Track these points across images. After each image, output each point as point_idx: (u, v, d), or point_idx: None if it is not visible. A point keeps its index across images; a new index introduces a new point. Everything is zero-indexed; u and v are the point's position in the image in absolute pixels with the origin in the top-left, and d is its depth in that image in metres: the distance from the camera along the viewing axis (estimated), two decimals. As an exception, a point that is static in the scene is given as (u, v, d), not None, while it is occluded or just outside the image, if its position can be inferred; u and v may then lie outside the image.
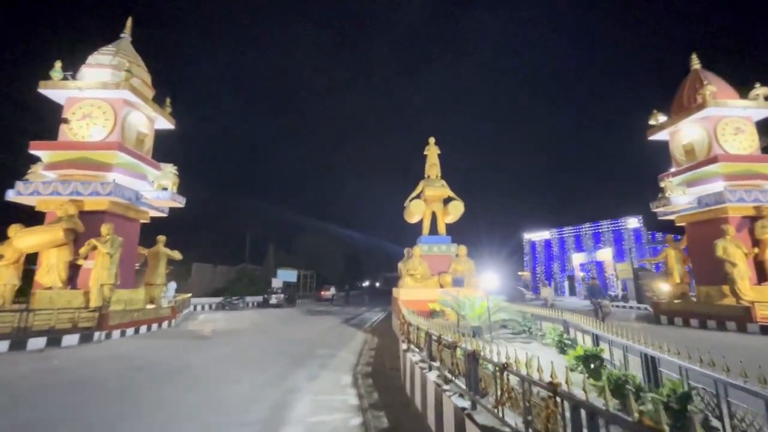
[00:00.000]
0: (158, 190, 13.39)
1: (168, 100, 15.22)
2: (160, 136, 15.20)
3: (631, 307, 22.08)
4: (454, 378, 3.98)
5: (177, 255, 14.67)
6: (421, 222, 14.67)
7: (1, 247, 10.82)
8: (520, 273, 52.08)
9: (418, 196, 14.34)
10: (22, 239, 10.63)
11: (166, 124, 15.07)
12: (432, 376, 4.53)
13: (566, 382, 2.08)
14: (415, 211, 13.69)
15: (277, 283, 31.21)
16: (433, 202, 14.11)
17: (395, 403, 5.34)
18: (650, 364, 3.53)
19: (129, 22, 14.71)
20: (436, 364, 4.67)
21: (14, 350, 8.79)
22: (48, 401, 5.17)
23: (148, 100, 13.73)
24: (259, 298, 27.39)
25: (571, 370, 5.08)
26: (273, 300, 25.56)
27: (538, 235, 55.45)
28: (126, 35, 14.50)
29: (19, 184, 11.68)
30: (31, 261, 11.71)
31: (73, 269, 11.64)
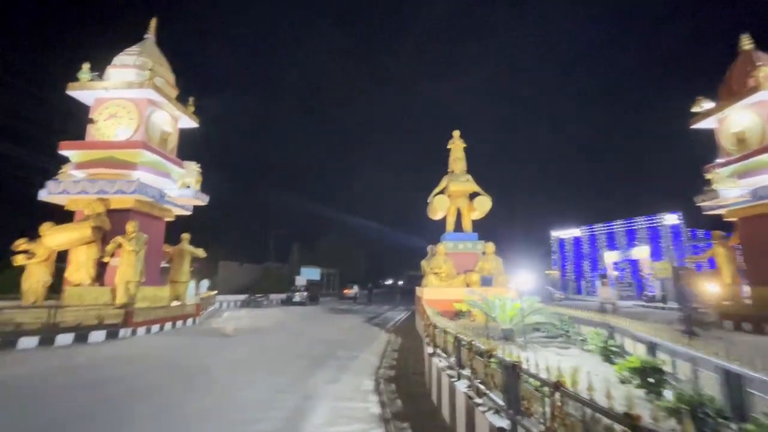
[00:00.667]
0: (182, 188, 13.47)
1: (191, 99, 15.31)
2: (185, 135, 15.34)
3: (670, 309, 20.66)
4: (488, 391, 3.51)
5: (201, 253, 14.77)
6: (445, 219, 14.13)
7: (32, 245, 11.11)
8: (547, 272, 50.34)
9: (441, 192, 13.79)
10: (52, 237, 10.88)
11: (189, 122, 15.18)
12: (461, 386, 4.06)
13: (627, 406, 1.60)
14: (439, 208, 13.15)
15: (300, 281, 31.35)
16: (457, 197, 13.52)
17: (420, 412, 4.91)
18: (731, 383, 2.92)
19: (153, 23, 14.88)
20: (466, 372, 4.20)
21: (43, 346, 8.94)
22: (63, 402, 5.05)
23: (172, 99, 13.84)
24: (283, 296, 27.56)
25: (622, 382, 4.48)
26: (296, 298, 25.62)
27: (567, 233, 53.42)
28: (150, 36, 14.68)
29: (49, 184, 11.99)
30: (61, 259, 12.01)
31: (101, 266, 11.84)
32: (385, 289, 64.78)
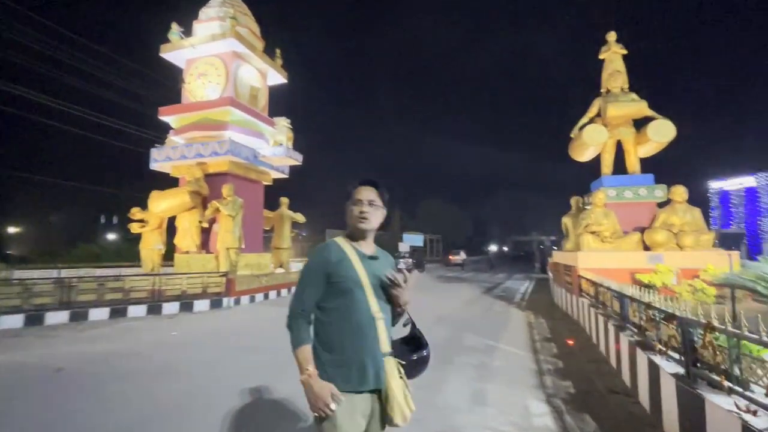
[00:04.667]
0: (274, 146, 12.35)
1: (278, 52, 13.98)
2: (275, 94, 14.19)
3: None
4: None
5: (300, 217, 13.78)
6: (596, 160, 10.30)
7: (144, 213, 11.15)
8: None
9: (591, 121, 9.93)
10: (155, 203, 10.68)
11: (278, 77, 13.93)
12: None
13: None
14: (591, 141, 9.38)
15: (404, 247, 29.98)
16: (618, 126, 9.54)
17: None
18: None
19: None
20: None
21: (151, 314, 8.60)
22: (122, 389, 3.75)
23: (257, 50, 12.57)
24: (387, 263, 26.45)
25: None
26: (401, 265, 23.99)
27: (734, 183, 41.36)
28: (231, -16, 13.51)
29: (153, 151, 11.91)
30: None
31: (206, 233, 11.49)
32: (487, 256, 60.54)
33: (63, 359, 5.16)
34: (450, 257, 33.12)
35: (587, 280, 6.91)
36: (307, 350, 1.39)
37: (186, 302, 9.11)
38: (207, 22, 12.22)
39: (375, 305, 1.46)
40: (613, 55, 9.98)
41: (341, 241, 1.56)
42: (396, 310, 1.57)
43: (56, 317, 7.55)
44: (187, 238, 11.06)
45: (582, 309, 7.24)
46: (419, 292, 13.79)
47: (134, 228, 11.13)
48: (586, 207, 10.09)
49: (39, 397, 3.86)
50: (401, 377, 1.45)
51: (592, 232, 8.42)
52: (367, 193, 1.54)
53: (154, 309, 8.65)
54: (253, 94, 12.70)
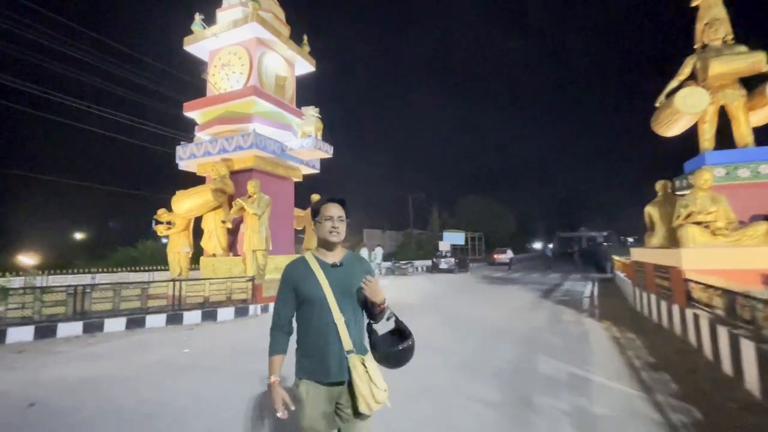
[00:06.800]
0: (302, 138, 11.35)
1: (305, 38, 13.01)
2: (304, 86, 13.25)
3: None
4: None
5: (333, 216, 12.69)
6: (693, 132, 8.26)
7: (170, 215, 10.56)
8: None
9: (681, 86, 7.90)
10: (179, 203, 10.01)
11: (306, 66, 12.97)
12: None
13: None
14: (687, 108, 7.33)
15: (444, 246, 28.26)
16: (722, 88, 7.49)
17: None
18: None
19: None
20: None
21: (171, 324, 7.81)
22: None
23: (282, 36, 11.63)
24: (428, 263, 24.96)
25: None
26: (443, 265, 22.56)
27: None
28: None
29: (178, 149, 11.30)
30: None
31: (233, 235, 10.71)
32: (535, 254, 56.89)
33: (45, 388, 4.29)
34: (495, 256, 30.93)
35: (708, 286, 5.12)
36: (276, 360, 1.70)
37: (209, 310, 8.27)
38: (229, 9, 11.44)
39: (337, 311, 1.64)
40: (712, 1, 7.91)
41: (308, 256, 1.76)
42: (376, 309, 1.68)
43: (69, 329, 6.90)
44: (212, 240, 10.31)
45: (694, 324, 5.45)
46: (468, 295, 12.24)
47: (160, 230, 10.56)
48: (678, 193, 8.10)
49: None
50: (366, 372, 1.61)
51: (698, 223, 6.52)
52: (336, 210, 1.73)
53: (174, 318, 7.86)
54: (279, 84, 11.79)
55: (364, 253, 16.30)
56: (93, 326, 7.10)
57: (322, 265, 1.70)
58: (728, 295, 4.49)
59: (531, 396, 3.86)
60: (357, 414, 1.61)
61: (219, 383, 4.35)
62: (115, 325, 7.30)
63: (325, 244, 1.74)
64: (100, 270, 11.77)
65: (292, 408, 1.62)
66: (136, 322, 7.52)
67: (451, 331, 7.03)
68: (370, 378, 1.60)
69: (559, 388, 4.13)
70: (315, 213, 1.76)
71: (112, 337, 6.85)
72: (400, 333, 1.76)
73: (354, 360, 1.61)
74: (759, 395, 3.65)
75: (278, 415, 1.60)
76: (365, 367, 1.62)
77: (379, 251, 18.82)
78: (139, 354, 5.76)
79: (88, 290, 7.37)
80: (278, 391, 1.62)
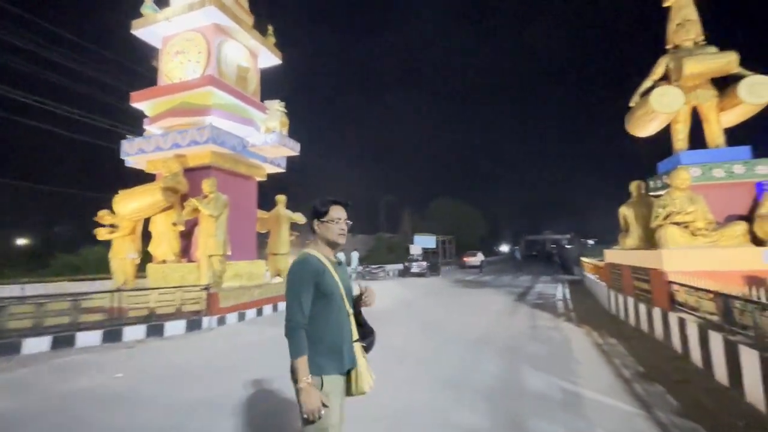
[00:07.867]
0: (265, 134, 10.52)
1: (270, 29, 12.18)
2: (271, 81, 12.39)
3: None
4: None
5: (300, 218, 11.89)
6: (665, 133, 8.23)
7: (114, 217, 9.40)
8: None
9: (654, 86, 7.88)
10: (122, 204, 8.90)
11: (271, 58, 12.13)
12: None
13: None
14: (662, 107, 7.28)
15: (415, 249, 27.92)
16: (695, 88, 7.50)
17: None
18: None
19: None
20: None
21: (108, 342, 6.76)
22: None
23: (244, 23, 10.77)
24: (400, 266, 24.48)
25: None
26: (415, 268, 22.14)
27: None
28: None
29: (124, 144, 10.13)
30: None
31: (187, 238, 9.68)
32: (504, 257, 58.00)
33: None
34: (465, 259, 30.98)
35: (697, 289, 4.88)
36: (305, 361, 1.66)
37: (154, 324, 7.27)
38: (185, -8, 10.46)
39: (347, 304, 1.83)
40: (682, 0, 7.94)
41: (316, 253, 1.81)
42: (358, 308, 1.92)
43: (-24, 352, 5.75)
44: (163, 244, 9.25)
45: (679, 328, 5.21)
46: (442, 300, 11.80)
47: (101, 234, 9.37)
48: (652, 194, 8.04)
49: None
50: (364, 356, 1.86)
51: (677, 223, 6.37)
52: (343, 213, 1.86)
53: (112, 335, 6.80)
54: (241, 75, 10.90)
55: (341, 257, 15.56)
56: (7, 347, 5.96)
57: (331, 263, 1.83)
58: (722, 298, 4.21)
59: (526, 420, 3.35)
60: (359, 393, 1.80)
61: (153, 416, 3.54)
62: (36, 345, 6.18)
63: (332, 245, 1.87)
64: (30, 280, 10.34)
65: (328, 406, 1.64)
66: (64, 340, 6.42)
67: (429, 341, 6.49)
68: (366, 360, 1.87)
69: (552, 408, 3.67)
70: (318, 213, 1.85)
71: (32, 361, 5.76)
72: (365, 327, 1.95)
73: (357, 347, 1.84)
74: (765, 410, 3.34)
75: (318, 415, 1.59)
76: (363, 353, 1.88)
77: (355, 255, 18.15)
78: (60, 381, 4.79)
79: (3, 304, 6.21)
80: (316, 392, 1.63)
